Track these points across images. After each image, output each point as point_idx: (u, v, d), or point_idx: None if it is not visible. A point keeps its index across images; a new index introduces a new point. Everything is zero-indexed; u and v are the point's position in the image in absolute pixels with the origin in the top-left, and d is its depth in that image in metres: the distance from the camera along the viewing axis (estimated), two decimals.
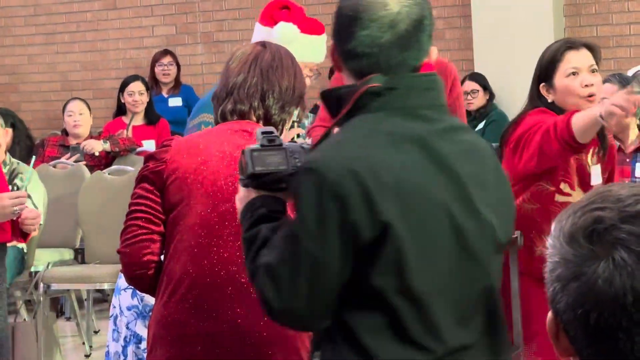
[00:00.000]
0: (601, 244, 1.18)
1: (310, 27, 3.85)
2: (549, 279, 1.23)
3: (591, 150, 3.95)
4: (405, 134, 2.13)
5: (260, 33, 3.75)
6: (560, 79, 3.91)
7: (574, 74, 3.85)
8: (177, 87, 8.65)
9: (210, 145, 2.84)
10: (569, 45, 4.01)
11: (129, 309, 3.83)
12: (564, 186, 3.62)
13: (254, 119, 2.81)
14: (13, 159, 4.99)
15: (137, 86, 7.90)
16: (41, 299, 6.22)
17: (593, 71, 3.95)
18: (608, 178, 4.10)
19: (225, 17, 9.09)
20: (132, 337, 3.83)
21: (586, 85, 3.88)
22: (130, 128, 7.88)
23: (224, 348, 2.74)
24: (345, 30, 2.15)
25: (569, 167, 3.62)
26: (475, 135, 2.31)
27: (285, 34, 3.70)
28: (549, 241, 1.27)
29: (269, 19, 3.80)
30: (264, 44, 3.00)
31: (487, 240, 2.15)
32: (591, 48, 4.01)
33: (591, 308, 1.18)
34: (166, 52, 8.64)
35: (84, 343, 6.43)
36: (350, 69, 2.18)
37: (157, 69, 8.54)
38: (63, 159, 7.24)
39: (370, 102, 2.13)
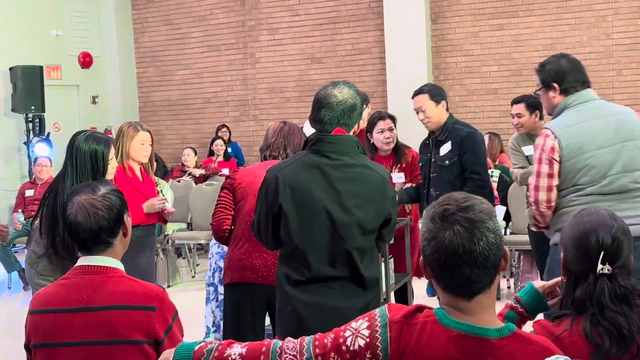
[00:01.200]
0: (447, 222, 1.52)
1: None
2: (421, 239, 1.57)
3: (391, 164, 4.47)
4: (312, 163, 2.63)
5: None
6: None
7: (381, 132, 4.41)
8: (229, 143, 10.06)
9: (258, 171, 3.18)
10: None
11: (217, 253, 4.77)
12: None
13: (280, 159, 3.31)
14: (155, 176, 4.94)
15: (219, 142, 9.78)
16: (170, 248, 7.63)
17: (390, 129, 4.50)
18: (414, 177, 4.65)
19: (265, 106, 10.64)
20: (217, 267, 4.71)
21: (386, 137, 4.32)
22: (216, 162, 9.49)
23: (264, 273, 3.26)
24: (314, 108, 2.68)
25: None
26: (367, 170, 2.67)
27: None
28: (422, 220, 1.53)
29: None
30: (284, 122, 3.48)
31: (352, 225, 2.61)
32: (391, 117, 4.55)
33: (441, 255, 1.50)
34: (223, 125, 10.31)
35: (191, 270, 8.01)
36: (315, 128, 2.71)
37: (220, 133, 10.15)
38: (184, 178, 8.90)
39: (307, 145, 2.70)
